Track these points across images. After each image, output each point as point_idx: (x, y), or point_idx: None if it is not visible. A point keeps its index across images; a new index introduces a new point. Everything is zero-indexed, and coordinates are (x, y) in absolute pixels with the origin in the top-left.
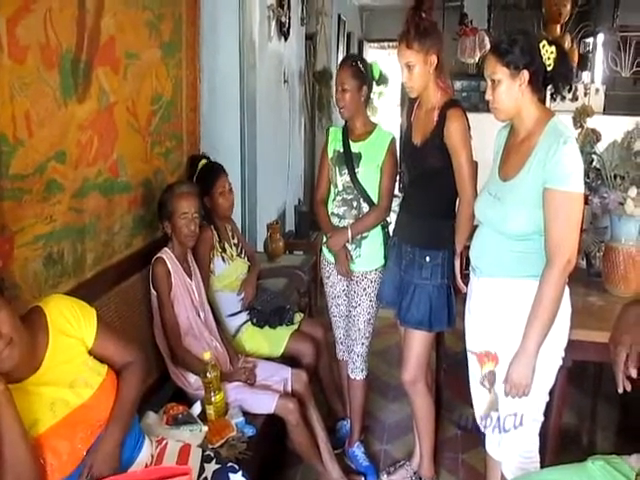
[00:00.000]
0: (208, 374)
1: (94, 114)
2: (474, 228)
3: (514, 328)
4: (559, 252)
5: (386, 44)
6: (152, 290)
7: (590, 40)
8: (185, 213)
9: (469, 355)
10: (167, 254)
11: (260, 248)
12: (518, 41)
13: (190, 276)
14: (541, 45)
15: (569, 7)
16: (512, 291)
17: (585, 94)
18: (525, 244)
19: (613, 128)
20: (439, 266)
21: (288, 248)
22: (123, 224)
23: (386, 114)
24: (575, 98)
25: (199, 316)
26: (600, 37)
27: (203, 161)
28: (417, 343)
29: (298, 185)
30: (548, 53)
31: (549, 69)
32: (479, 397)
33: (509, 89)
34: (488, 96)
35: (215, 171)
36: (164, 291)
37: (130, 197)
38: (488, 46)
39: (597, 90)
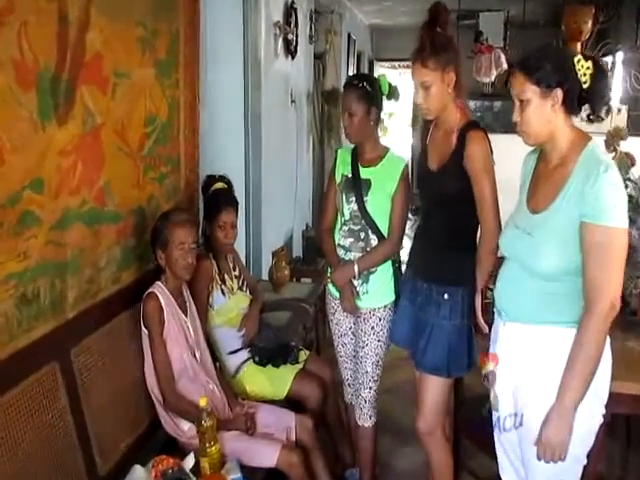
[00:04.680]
0: (203, 422)
1: (77, 138)
2: (499, 261)
3: (547, 383)
4: (600, 296)
5: (397, 63)
6: (143, 328)
7: (609, 59)
8: (182, 243)
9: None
10: (160, 288)
11: (265, 276)
12: (549, 56)
13: (185, 312)
14: (575, 60)
15: (590, 24)
16: (545, 340)
17: (607, 114)
18: (560, 285)
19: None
20: (459, 304)
21: (294, 275)
22: (110, 257)
23: (397, 134)
24: (599, 118)
25: (194, 356)
26: (619, 55)
27: (218, 184)
28: (433, 389)
29: (306, 209)
30: (584, 69)
31: (584, 87)
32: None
33: (540, 110)
34: (516, 117)
35: (223, 201)
36: (156, 329)
37: (119, 227)
38: (505, 64)
39: (619, 110)
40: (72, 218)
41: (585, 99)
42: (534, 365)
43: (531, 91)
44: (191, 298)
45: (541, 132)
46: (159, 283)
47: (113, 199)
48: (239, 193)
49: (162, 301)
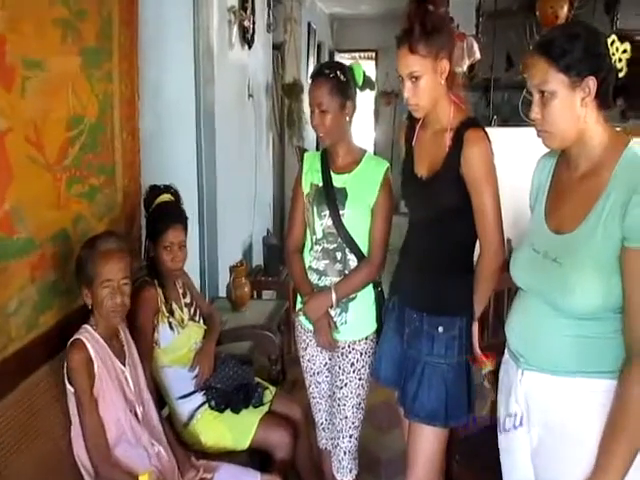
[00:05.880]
0: None
1: None
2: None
3: (580, 448)
4: None
5: (357, 55)
6: (68, 385)
7: None
8: (109, 280)
9: None
10: (88, 334)
11: (222, 293)
12: (578, 36)
13: (123, 359)
14: (609, 41)
15: (566, 9)
16: (579, 395)
17: None
18: (599, 326)
19: None
20: (456, 338)
21: (255, 288)
22: (23, 299)
23: (358, 126)
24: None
25: (135, 414)
26: None
27: (163, 197)
28: (427, 442)
29: (266, 214)
30: (619, 53)
31: (620, 75)
32: None
33: (568, 104)
34: (535, 114)
35: (169, 218)
36: (84, 387)
37: (33, 259)
38: (477, 54)
39: None
40: None
41: (620, 90)
42: (564, 426)
43: (557, 81)
44: (131, 339)
45: (569, 132)
46: (87, 327)
47: (25, 225)
48: (191, 203)
49: (91, 350)
